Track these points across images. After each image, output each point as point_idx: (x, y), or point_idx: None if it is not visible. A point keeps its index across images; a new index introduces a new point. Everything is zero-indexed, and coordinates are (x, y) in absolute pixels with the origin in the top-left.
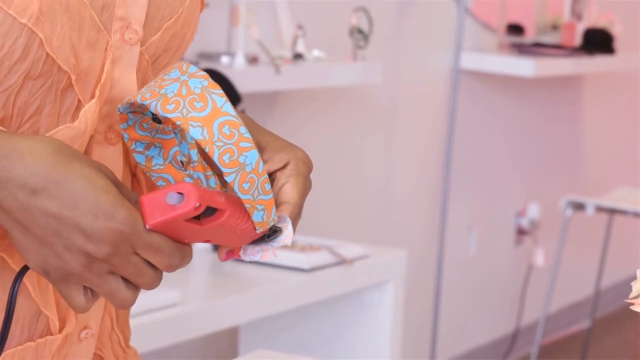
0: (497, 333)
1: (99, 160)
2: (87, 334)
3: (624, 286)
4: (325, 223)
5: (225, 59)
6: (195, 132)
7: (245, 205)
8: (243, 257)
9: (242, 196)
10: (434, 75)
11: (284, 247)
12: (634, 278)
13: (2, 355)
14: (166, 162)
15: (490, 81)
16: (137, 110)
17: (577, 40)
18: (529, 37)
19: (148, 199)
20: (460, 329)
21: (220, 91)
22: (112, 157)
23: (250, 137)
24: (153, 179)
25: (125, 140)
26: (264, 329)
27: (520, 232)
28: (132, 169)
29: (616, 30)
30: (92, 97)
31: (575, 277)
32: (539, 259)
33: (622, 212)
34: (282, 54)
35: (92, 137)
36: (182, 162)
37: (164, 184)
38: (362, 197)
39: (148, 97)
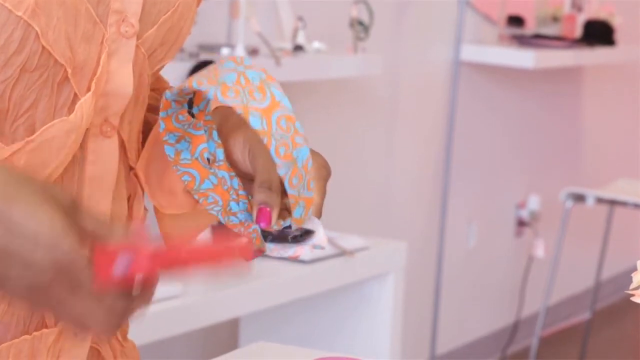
0: (498, 325)
1: (94, 154)
2: None
3: (624, 278)
4: (325, 215)
5: (225, 51)
6: (255, 122)
7: (290, 201)
8: (269, 254)
9: (290, 191)
10: (434, 67)
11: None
12: (634, 269)
13: None
14: (193, 158)
15: (491, 73)
16: (180, 100)
17: (578, 32)
18: (529, 28)
19: (98, 257)
20: (460, 321)
21: (278, 85)
22: (107, 150)
23: (303, 133)
24: (179, 172)
25: (160, 130)
26: (265, 321)
27: (521, 224)
28: (130, 163)
29: (616, 22)
30: (88, 90)
31: (575, 269)
32: (539, 250)
33: (623, 204)
34: (283, 46)
35: (87, 130)
36: (208, 159)
37: (189, 179)
38: (362, 189)
39: (205, 83)
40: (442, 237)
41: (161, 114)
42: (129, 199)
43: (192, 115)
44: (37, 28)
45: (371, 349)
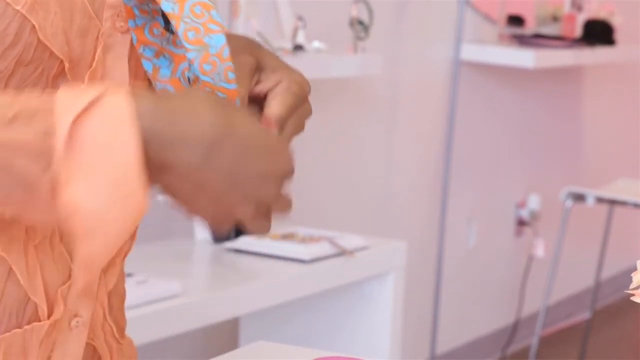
0: (497, 324)
1: None
2: (77, 322)
3: (624, 277)
4: (325, 214)
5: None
6: (166, 6)
7: (205, 89)
8: None
9: (202, 77)
10: (434, 67)
11: (285, 238)
12: (634, 269)
13: None
14: (174, 76)
15: (491, 72)
16: (145, 9)
17: (578, 31)
18: (529, 28)
19: None
20: (460, 321)
21: None
22: None
23: (220, 22)
24: (157, 88)
25: (134, 43)
26: (265, 321)
27: (521, 223)
28: None
29: (616, 21)
30: (82, 83)
31: (575, 269)
32: (539, 250)
33: (623, 204)
34: (282, 45)
35: None
36: (189, 78)
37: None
38: (362, 189)
39: None
40: (442, 237)
41: (129, 23)
42: None
43: (171, 32)
44: (34, 22)
45: (371, 349)
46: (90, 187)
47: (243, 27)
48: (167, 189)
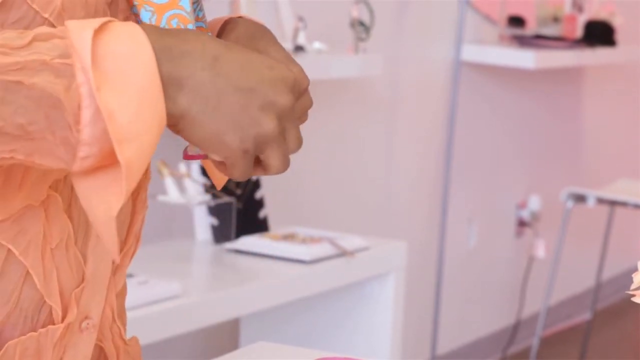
0: (498, 325)
1: None
2: (87, 324)
3: (625, 278)
4: (325, 215)
5: None
6: (144, 16)
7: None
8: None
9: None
10: (434, 67)
11: (285, 239)
12: (635, 270)
13: (6, 346)
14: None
15: (491, 73)
16: None
17: (578, 32)
18: (530, 29)
19: None
20: (460, 321)
21: None
22: None
23: (186, 7)
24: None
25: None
26: (265, 321)
27: (521, 224)
28: None
29: (617, 22)
30: None
31: (576, 269)
32: (540, 251)
33: (623, 204)
34: (283, 46)
35: None
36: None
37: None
38: (363, 189)
39: None
40: (443, 237)
41: None
42: (133, 193)
43: None
44: None
45: (372, 349)
46: (120, 94)
47: None
48: (185, 120)
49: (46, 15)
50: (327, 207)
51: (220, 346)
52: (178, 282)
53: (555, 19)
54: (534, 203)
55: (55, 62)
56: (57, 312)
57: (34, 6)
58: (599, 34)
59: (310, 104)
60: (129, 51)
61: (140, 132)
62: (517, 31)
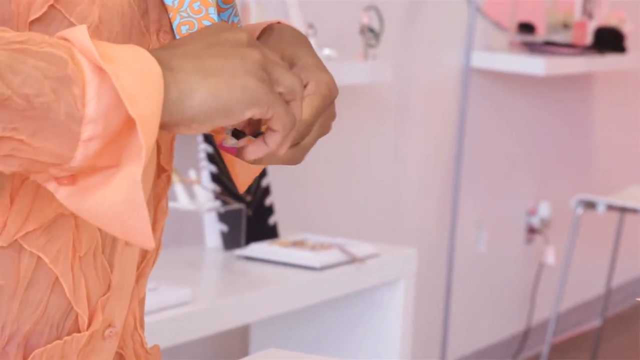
0: (508, 332)
1: None
2: (111, 332)
3: (635, 285)
4: (335, 221)
5: None
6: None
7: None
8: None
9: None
10: (444, 74)
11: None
12: None
13: (32, 354)
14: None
15: (501, 80)
16: None
17: (588, 38)
18: (540, 35)
19: None
20: (470, 328)
21: None
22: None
23: (216, 19)
24: (181, 21)
25: None
26: (275, 328)
27: (531, 230)
28: (162, 164)
29: (627, 28)
30: None
31: (586, 276)
32: (550, 257)
33: (633, 211)
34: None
35: None
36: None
37: (189, 28)
38: (372, 196)
39: None
40: (452, 244)
41: None
42: (154, 201)
43: None
44: None
45: (381, 356)
46: (122, 66)
47: None
48: (193, 99)
49: None
50: (337, 213)
51: (230, 353)
52: (188, 289)
53: (565, 26)
54: (544, 209)
55: (54, 41)
56: (84, 319)
57: (72, 19)
58: (609, 40)
59: (334, 117)
60: (125, 46)
61: (148, 94)
62: (527, 38)
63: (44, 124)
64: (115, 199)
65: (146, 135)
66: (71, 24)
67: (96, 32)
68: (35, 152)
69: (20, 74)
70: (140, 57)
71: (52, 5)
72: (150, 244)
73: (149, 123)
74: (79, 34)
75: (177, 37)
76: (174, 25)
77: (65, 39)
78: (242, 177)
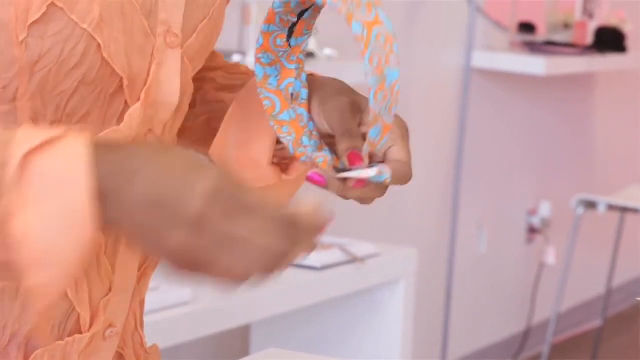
0: (508, 332)
1: None
2: (111, 332)
3: (636, 285)
4: (336, 221)
5: (236, 58)
6: (356, 28)
7: (369, 117)
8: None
9: (372, 104)
10: (445, 74)
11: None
12: None
13: (33, 355)
14: (278, 88)
15: (502, 80)
16: (284, 18)
17: (589, 38)
18: (541, 35)
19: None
20: (471, 328)
21: (382, 9)
22: None
23: (398, 56)
24: (262, 96)
25: (257, 45)
26: (276, 328)
27: (532, 230)
28: None
29: (628, 28)
30: (137, 100)
31: (586, 276)
32: (550, 257)
33: (634, 211)
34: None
35: (132, 139)
36: (292, 95)
37: (270, 104)
38: None
39: None
40: (453, 244)
41: (263, 27)
42: None
43: (289, 45)
44: (99, 40)
45: (382, 356)
46: (39, 217)
47: (254, 35)
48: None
49: (85, 26)
50: (337, 213)
51: (231, 353)
52: (189, 288)
53: (566, 26)
54: (545, 209)
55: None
56: (86, 320)
57: (73, 17)
58: (610, 40)
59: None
60: (60, 174)
61: (57, 256)
62: (528, 37)
63: None
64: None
65: (38, 303)
66: (71, 22)
67: (97, 30)
68: None
69: None
70: (71, 196)
71: (52, 4)
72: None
73: (48, 293)
74: (12, 163)
75: (368, 68)
76: (366, 58)
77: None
78: None
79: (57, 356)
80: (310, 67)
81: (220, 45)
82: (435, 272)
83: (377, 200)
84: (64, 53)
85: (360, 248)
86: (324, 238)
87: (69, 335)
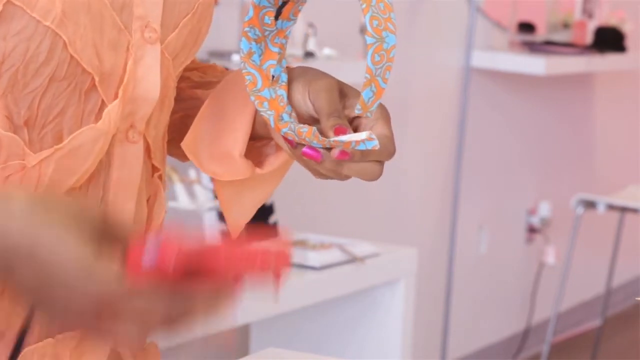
0: (508, 331)
1: (120, 159)
2: None
3: (635, 285)
4: (336, 221)
5: (236, 57)
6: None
7: (366, 75)
8: (332, 144)
9: (370, 64)
10: (444, 74)
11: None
12: None
13: (24, 351)
14: (260, 67)
15: (501, 79)
16: None
17: (588, 38)
18: (540, 35)
19: (129, 253)
20: (471, 327)
21: None
22: (132, 156)
23: (396, 25)
24: (244, 71)
25: (247, 18)
26: (275, 327)
27: (531, 230)
28: (154, 163)
29: (627, 28)
30: (115, 97)
31: (586, 276)
32: (550, 257)
33: (634, 210)
34: (293, 53)
35: (113, 136)
36: (272, 76)
37: (251, 80)
38: (373, 195)
39: None
40: (453, 244)
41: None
42: (149, 200)
43: (275, 27)
44: (64, 37)
45: (382, 356)
46: None
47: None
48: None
49: (47, 24)
50: (338, 213)
51: (231, 352)
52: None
53: (566, 25)
54: (544, 209)
55: None
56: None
57: (34, 15)
58: (609, 40)
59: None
60: None
61: None
62: (527, 37)
63: None
64: None
65: None
66: (33, 20)
67: (61, 26)
68: None
69: None
70: None
71: (9, 2)
72: None
73: None
74: None
75: (369, 29)
76: (367, 18)
77: None
78: (235, 219)
79: (47, 354)
80: (309, 66)
81: (220, 44)
82: (435, 272)
83: (377, 200)
84: (29, 51)
85: (360, 248)
86: (324, 238)
87: (59, 333)
